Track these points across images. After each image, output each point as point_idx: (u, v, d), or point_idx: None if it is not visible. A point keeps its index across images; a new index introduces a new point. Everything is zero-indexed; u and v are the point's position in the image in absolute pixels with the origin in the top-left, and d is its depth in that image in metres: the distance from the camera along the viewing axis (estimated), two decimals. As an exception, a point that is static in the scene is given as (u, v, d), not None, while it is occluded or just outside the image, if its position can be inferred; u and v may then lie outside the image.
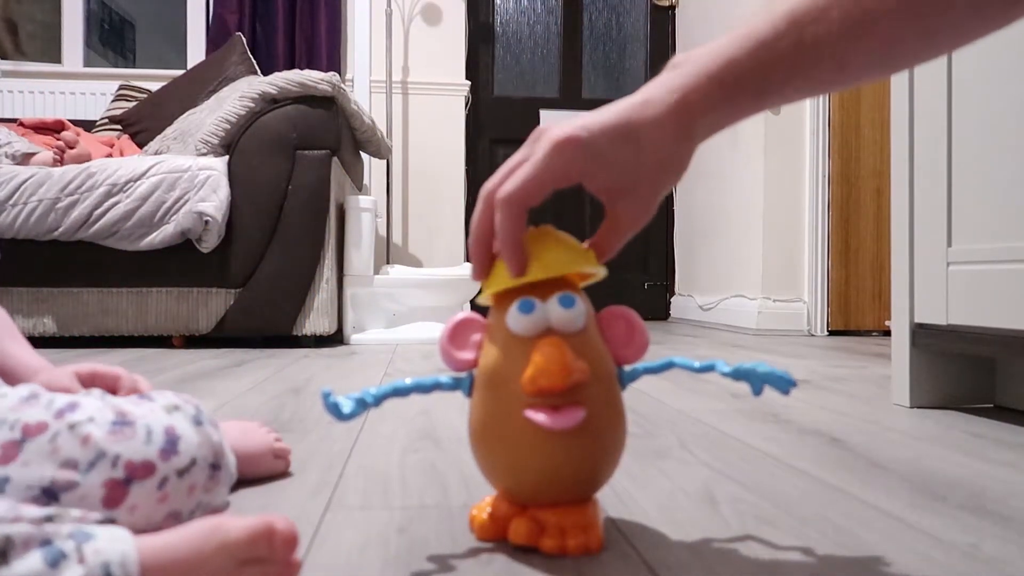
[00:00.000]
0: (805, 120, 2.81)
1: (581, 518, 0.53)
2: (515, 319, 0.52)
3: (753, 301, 2.86)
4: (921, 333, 1.13)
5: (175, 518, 0.49)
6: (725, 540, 0.55)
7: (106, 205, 2.05)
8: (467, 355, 0.55)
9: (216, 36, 3.20)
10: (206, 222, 2.06)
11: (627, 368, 0.57)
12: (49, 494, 0.45)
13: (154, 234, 2.07)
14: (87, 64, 3.53)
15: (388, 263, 3.22)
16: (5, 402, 0.48)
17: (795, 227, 2.82)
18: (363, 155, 2.99)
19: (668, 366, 0.58)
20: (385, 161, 3.27)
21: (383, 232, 3.30)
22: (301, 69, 2.29)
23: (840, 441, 0.91)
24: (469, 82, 3.44)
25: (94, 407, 0.49)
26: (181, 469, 0.49)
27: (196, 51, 3.38)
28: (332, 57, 3.27)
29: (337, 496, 0.66)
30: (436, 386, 0.54)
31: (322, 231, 2.17)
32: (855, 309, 2.76)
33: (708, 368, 0.57)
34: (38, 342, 2.15)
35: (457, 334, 0.56)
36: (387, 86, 3.28)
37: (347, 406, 0.48)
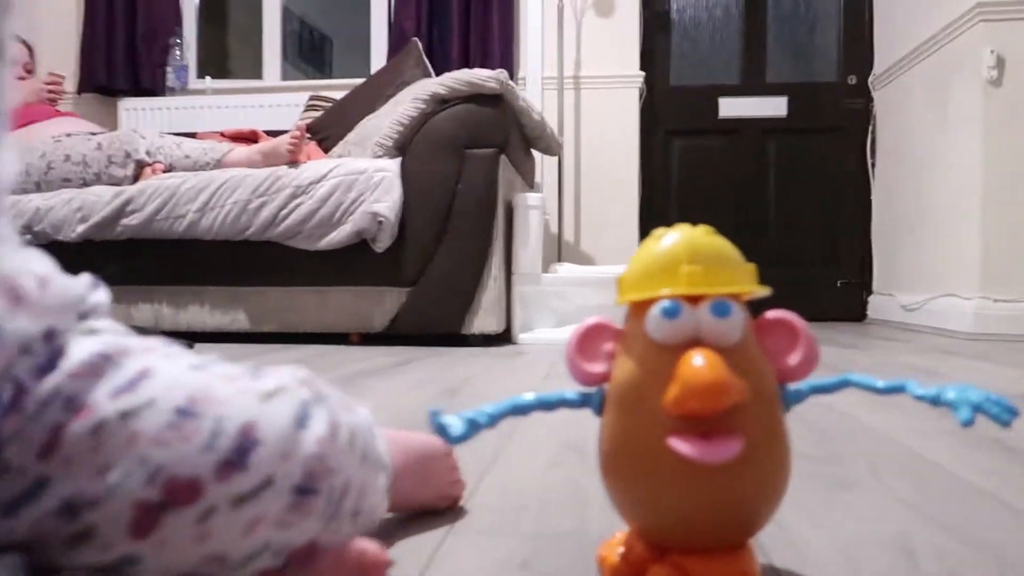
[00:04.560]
0: (1035, 92, 2.43)
1: (733, 568, 0.44)
2: (657, 325, 0.43)
3: (968, 301, 2.51)
4: None
5: (219, 562, 0.36)
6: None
7: (291, 206, 2.17)
8: (598, 367, 0.47)
9: (396, 43, 3.32)
10: (379, 222, 2.12)
11: (791, 387, 0.47)
12: (69, 511, 0.34)
13: (333, 234, 2.16)
14: (284, 78, 3.81)
15: (559, 261, 3.18)
16: (67, 364, 0.36)
17: (1020, 216, 2.44)
18: (534, 152, 2.97)
19: (843, 385, 0.47)
20: (556, 158, 3.24)
21: (554, 230, 3.26)
22: (474, 69, 2.30)
23: (1086, 479, 0.73)
24: (643, 73, 3.32)
25: (165, 382, 0.37)
26: (241, 495, 0.35)
27: (379, 59, 3.53)
28: (505, 55, 3.28)
29: (465, 517, 0.60)
30: (561, 402, 0.47)
31: (490, 229, 2.16)
32: (1101, 311, 2.34)
33: (896, 389, 0.46)
34: (232, 337, 2.33)
35: (586, 342, 0.48)
36: (559, 81, 3.24)
37: (456, 427, 0.42)
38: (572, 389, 0.48)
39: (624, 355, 0.46)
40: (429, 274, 2.18)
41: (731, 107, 3.45)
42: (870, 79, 3.37)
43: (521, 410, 0.46)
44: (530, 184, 2.91)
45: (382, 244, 2.16)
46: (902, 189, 3.08)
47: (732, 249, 0.47)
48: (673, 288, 0.44)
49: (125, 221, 2.26)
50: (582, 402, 0.48)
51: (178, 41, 3.59)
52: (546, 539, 0.55)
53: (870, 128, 3.39)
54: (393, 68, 2.86)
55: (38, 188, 2.42)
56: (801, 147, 3.45)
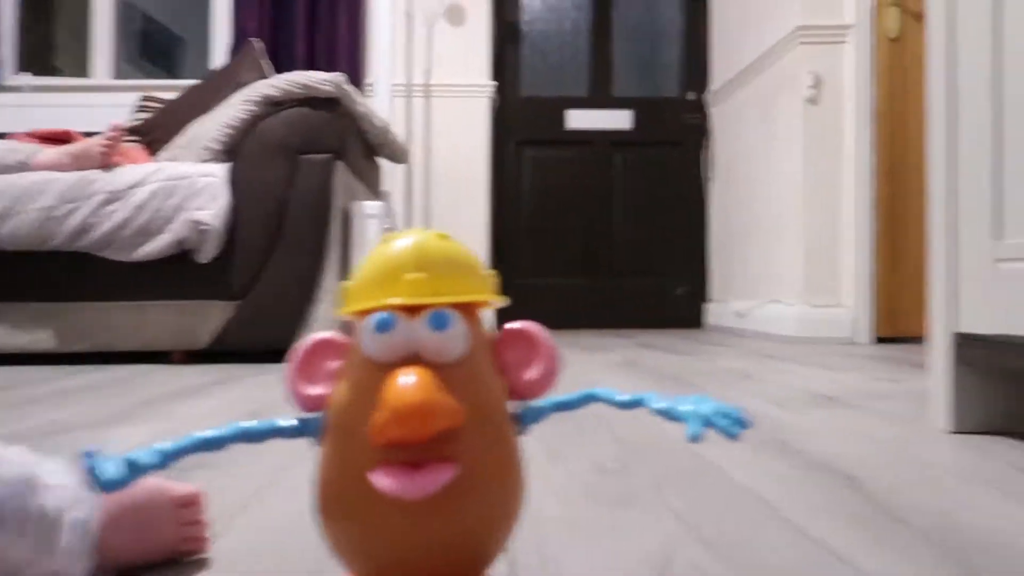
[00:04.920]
0: (845, 110, 2.61)
1: (458, 609, 0.40)
2: (371, 339, 0.39)
3: (791, 307, 2.66)
4: (964, 345, 0.96)
5: None
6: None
7: (103, 213, 1.99)
8: (317, 390, 0.42)
9: (238, 44, 3.16)
10: (202, 231, 1.98)
11: (532, 404, 0.44)
12: None
13: (150, 244, 2.00)
14: (125, 79, 3.54)
15: (409, 271, 3.12)
16: None
17: (836, 226, 2.62)
18: (382, 160, 2.90)
19: (588, 399, 0.44)
20: (405, 165, 3.17)
21: (405, 239, 3.19)
22: (309, 72, 2.20)
23: (857, 480, 0.75)
24: (495, 83, 3.32)
25: None
26: None
27: (221, 61, 3.35)
28: (353, 61, 3.19)
29: (201, 562, 0.54)
30: (274, 432, 0.42)
31: (324, 239, 2.07)
32: (905, 314, 2.55)
33: (635, 403, 0.43)
34: (38, 358, 2.11)
35: (310, 360, 0.43)
36: (407, 89, 3.19)
37: (110, 471, 0.36)
38: (290, 415, 0.42)
39: (344, 375, 0.41)
40: (259, 287, 2.06)
41: (579, 119, 3.52)
42: (706, 95, 3.54)
43: (211, 445, 0.40)
44: (375, 192, 2.83)
45: (206, 255, 2.02)
46: (735, 201, 3.25)
47: (468, 256, 0.43)
48: (405, 294, 0.40)
49: (-95, 229, 2.00)
50: (300, 430, 0.42)
51: (-12, 31, 3.26)
52: (282, 582, 0.49)
53: (706, 142, 3.55)
54: (230, 69, 2.71)
55: None
56: (646, 160, 3.56)
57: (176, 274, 2.05)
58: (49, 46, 4.69)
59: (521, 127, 3.52)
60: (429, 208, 3.28)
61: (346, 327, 0.43)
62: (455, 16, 3.28)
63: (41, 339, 2.06)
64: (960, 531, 0.59)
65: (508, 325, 0.44)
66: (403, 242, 0.41)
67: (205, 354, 2.12)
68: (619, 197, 3.56)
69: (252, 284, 2.06)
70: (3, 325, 2.06)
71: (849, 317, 2.60)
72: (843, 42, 2.61)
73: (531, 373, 0.43)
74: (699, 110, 3.57)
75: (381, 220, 2.27)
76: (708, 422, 0.40)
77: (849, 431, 1.00)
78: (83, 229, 2.00)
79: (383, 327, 0.38)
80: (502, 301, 0.44)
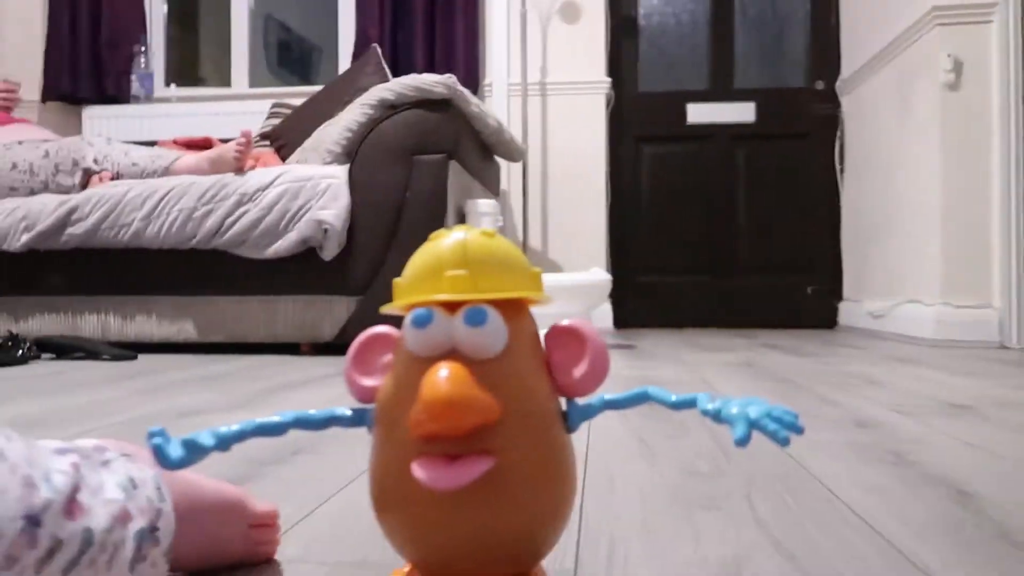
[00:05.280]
0: (991, 94, 2.40)
1: (501, 603, 0.40)
2: (410, 334, 0.40)
3: (930, 308, 2.48)
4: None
5: None
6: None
7: (237, 214, 2.13)
8: (371, 381, 0.44)
9: (360, 50, 3.29)
10: (325, 230, 2.08)
11: (580, 402, 0.43)
12: None
13: (279, 242, 2.12)
14: (266, 87, 3.77)
15: (524, 269, 3.15)
16: None
17: (982, 221, 2.41)
18: (500, 159, 2.94)
19: (641, 399, 0.43)
20: (522, 164, 3.20)
21: (520, 237, 3.22)
22: (423, 75, 2.26)
23: (971, 497, 0.69)
24: (610, 79, 3.29)
25: None
26: None
27: (346, 66, 3.50)
28: (470, 62, 3.25)
29: (283, 538, 0.56)
30: (331, 420, 0.43)
31: (438, 237, 2.12)
32: (1062, 317, 2.31)
33: (687, 404, 0.42)
34: (180, 347, 2.28)
35: (364, 354, 0.45)
36: (523, 88, 3.21)
37: (174, 452, 0.38)
38: (350, 405, 0.44)
39: (391, 369, 0.42)
40: (378, 282, 2.14)
41: (699, 113, 3.42)
42: (837, 84, 3.35)
43: (270, 430, 0.42)
44: (493, 190, 2.88)
45: (329, 252, 2.12)
46: (869, 195, 3.06)
47: (513, 253, 0.43)
48: (446, 290, 0.40)
49: (70, 230, 2.22)
50: (356, 419, 0.44)
51: (143, 49, 3.56)
52: (346, 568, 0.51)
53: (838, 133, 3.36)
54: (352, 75, 2.83)
55: (-16, 197, 2.38)
56: (770, 153, 3.42)
57: (302, 271, 2.16)
58: (195, 58, 5.08)
59: (639, 123, 3.46)
60: (546, 206, 3.29)
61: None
62: (570, 13, 3.28)
63: (183, 330, 2.23)
64: (1080, 557, 0.53)
65: (557, 323, 0.44)
66: (448, 240, 0.41)
67: (330, 346, 2.23)
68: (743, 192, 3.44)
69: (372, 279, 2.14)
70: (150, 317, 2.24)
71: (998, 319, 2.38)
72: (987, 22, 2.39)
73: (579, 371, 0.42)
74: (828, 100, 3.38)
75: (494, 218, 2.30)
76: (755, 425, 0.38)
77: (974, 444, 0.92)
78: (219, 229, 2.15)
79: (421, 322, 0.39)
80: (545, 298, 0.43)
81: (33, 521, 0.34)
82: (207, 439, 0.39)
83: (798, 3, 3.41)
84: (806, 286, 3.41)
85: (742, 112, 3.40)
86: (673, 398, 0.42)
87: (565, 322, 0.44)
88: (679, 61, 3.45)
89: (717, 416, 0.40)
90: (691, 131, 3.43)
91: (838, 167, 3.37)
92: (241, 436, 0.40)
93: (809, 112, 3.39)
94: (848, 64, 3.27)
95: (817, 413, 1.14)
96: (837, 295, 3.40)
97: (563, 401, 0.43)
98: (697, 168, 3.45)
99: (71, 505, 0.37)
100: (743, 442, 0.38)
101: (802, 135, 3.40)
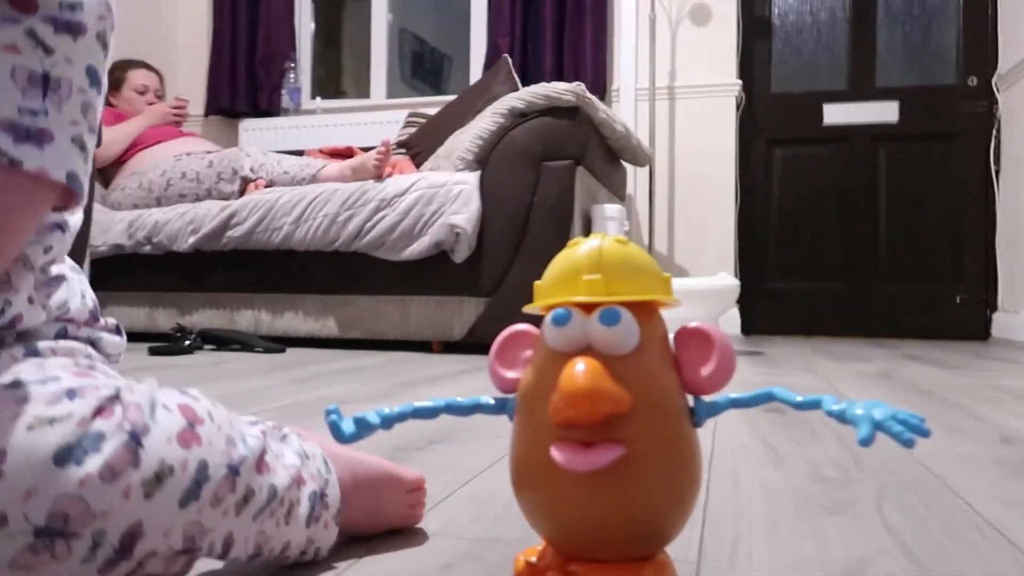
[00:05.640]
0: None
1: (628, 580, 0.43)
2: (550, 332, 0.44)
3: (1098, 321, 2.28)
4: None
5: None
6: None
7: (375, 218, 2.26)
8: (513, 374, 0.48)
9: (491, 60, 3.39)
10: (457, 234, 2.18)
11: (707, 399, 0.46)
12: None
13: (414, 245, 2.23)
14: (402, 97, 3.97)
15: (649, 273, 3.14)
16: None
17: None
18: (626, 163, 2.95)
19: (766, 398, 0.45)
20: (648, 168, 3.20)
21: (646, 241, 3.22)
22: (569, 83, 2.31)
23: (1125, 516, 0.66)
24: (740, 81, 3.23)
25: None
26: None
27: (479, 76, 3.62)
28: (598, 68, 3.28)
29: (427, 516, 0.62)
30: (477, 408, 0.48)
31: (566, 240, 2.17)
32: None
33: (812, 405, 0.44)
34: (323, 343, 2.45)
35: (507, 348, 0.49)
36: (650, 92, 3.21)
37: (348, 427, 0.44)
38: (492, 395, 0.49)
39: (532, 363, 0.46)
40: (506, 284, 2.21)
41: (837, 113, 3.29)
42: (994, 79, 3.13)
43: (425, 414, 0.47)
44: (621, 195, 2.89)
45: (460, 255, 2.21)
46: (1028, 198, 2.84)
47: (644, 259, 0.46)
48: (579, 293, 0.44)
49: (230, 233, 2.43)
50: (499, 408, 0.48)
51: (292, 65, 3.82)
52: (484, 543, 0.56)
53: (994, 132, 3.14)
54: (483, 84, 2.92)
55: (158, 203, 2.65)
56: (915, 154, 3.24)
57: (435, 273, 2.27)
58: (338, 72, 5.38)
59: (772, 125, 3.37)
60: (673, 210, 3.27)
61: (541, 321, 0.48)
62: (700, 16, 3.24)
63: (325, 326, 2.39)
64: None
65: (686, 324, 0.47)
66: (584, 246, 0.45)
67: (460, 345, 2.32)
68: (884, 195, 3.28)
69: (500, 282, 2.21)
70: (297, 313, 2.42)
71: None
72: None
73: (706, 369, 0.45)
74: (983, 96, 3.17)
75: (620, 222, 2.32)
76: (880, 426, 0.39)
77: None
78: (359, 232, 2.29)
79: (560, 321, 0.43)
80: (675, 301, 0.46)
81: (233, 470, 0.42)
82: (374, 418, 0.45)
83: (949, -5, 3.22)
84: (955, 295, 3.21)
85: (884, 112, 3.24)
86: (798, 398, 0.44)
87: (693, 324, 0.47)
88: (815, 61, 3.34)
89: (842, 417, 0.42)
90: (827, 132, 3.31)
91: (993, 168, 3.15)
92: (402, 417, 0.46)
93: (959, 110, 3.19)
94: (1006, 58, 3.05)
95: (959, 426, 1.09)
96: (991, 305, 3.17)
97: (690, 398, 0.46)
98: (834, 170, 3.32)
99: (260, 463, 0.44)
100: (867, 442, 0.39)
101: (951, 135, 3.20)
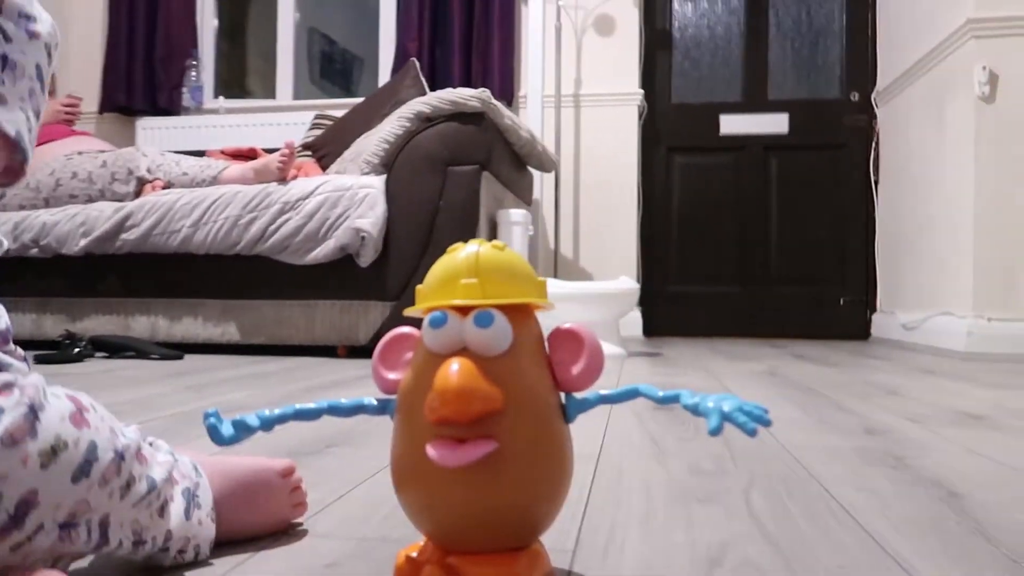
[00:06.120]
0: (1028, 108, 2.39)
1: (503, 571, 0.46)
2: (428, 334, 0.46)
3: (963, 320, 2.47)
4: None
5: None
6: (683, 614, 0.45)
7: (279, 221, 2.23)
8: (395, 375, 0.50)
9: (400, 63, 3.39)
10: (363, 237, 2.17)
11: (577, 396, 0.49)
12: None
13: (318, 249, 2.21)
14: (311, 98, 3.90)
15: (555, 276, 3.20)
16: None
17: (1016, 234, 2.40)
18: (533, 169, 3.00)
19: (632, 394, 0.49)
20: (554, 174, 3.26)
21: (552, 246, 3.28)
22: (476, 88, 2.33)
23: (960, 497, 0.73)
24: (642, 91, 3.34)
25: None
26: None
27: (387, 79, 3.60)
28: (505, 75, 3.32)
29: (316, 518, 0.63)
30: (359, 409, 0.50)
31: (471, 245, 2.19)
32: (1097, 332, 2.29)
33: (671, 399, 0.47)
34: (224, 348, 2.39)
35: (389, 351, 0.51)
36: (556, 100, 3.28)
37: (226, 430, 0.45)
38: (374, 396, 0.50)
39: (411, 364, 0.48)
40: (412, 288, 2.21)
41: (733, 124, 3.45)
42: (873, 95, 3.35)
43: (306, 415, 0.48)
44: (526, 200, 2.94)
45: (366, 259, 2.20)
46: (903, 206, 3.05)
47: (520, 264, 0.49)
48: (455, 297, 0.46)
49: (124, 236, 2.34)
50: (381, 409, 0.50)
51: (194, 62, 3.71)
52: (371, 543, 0.57)
53: (873, 145, 3.36)
54: (391, 87, 2.92)
55: (47, 204, 2.52)
56: (804, 164, 3.43)
57: (340, 277, 2.25)
58: (243, 70, 5.25)
59: (672, 134, 3.50)
60: (578, 215, 3.34)
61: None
62: (604, 26, 3.33)
63: (226, 332, 2.33)
64: (1048, 552, 0.57)
65: (559, 326, 0.50)
66: (463, 252, 0.48)
67: (365, 349, 2.31)
68: (775, 203, 3.45)
69: (406, 286, 2.21)
70: (196, 319, 2.35)
71: (1031, 332, 2.37)
72: (1023, 35, 2.39)
73: (577, 368, 0.48)
74: (863, 111, 3.39)
75: (525, 227, 2.36)
76: (727, 417, 0.43)
77: (977, 451, 0.96)
78: (262, 236, 2.24)
79: (436, 324, 0.45)
80: (548, 305, 0.49)
81: (119, 455, 0.43)
82: (253, 420, 0.46)
83: (833, 15, 3.42)
84: (839, 297, 3.41)
85: (776, 123, 3.42)
86: (660, 394, 0.48)
87: (566, 325, 0.50)
88: (713, 73, 3.49)
89: (695, 410, 0.45)
90: (724, 142, 3.46)
91: (872, 178, 3.37)
92: (282, 419, 0.47)
93: (843, 123, 3.40)
94: (884, 76, 3.27)
95: (830, 419, 1.17)
96: (871, 306, 3.39)
97: (563, 396, 0.49)
98: (730, 178, 3.47)
99: (139, 454, 0.46)
100: (716, 432, 0.43)
101: (836, 146, 3.41)
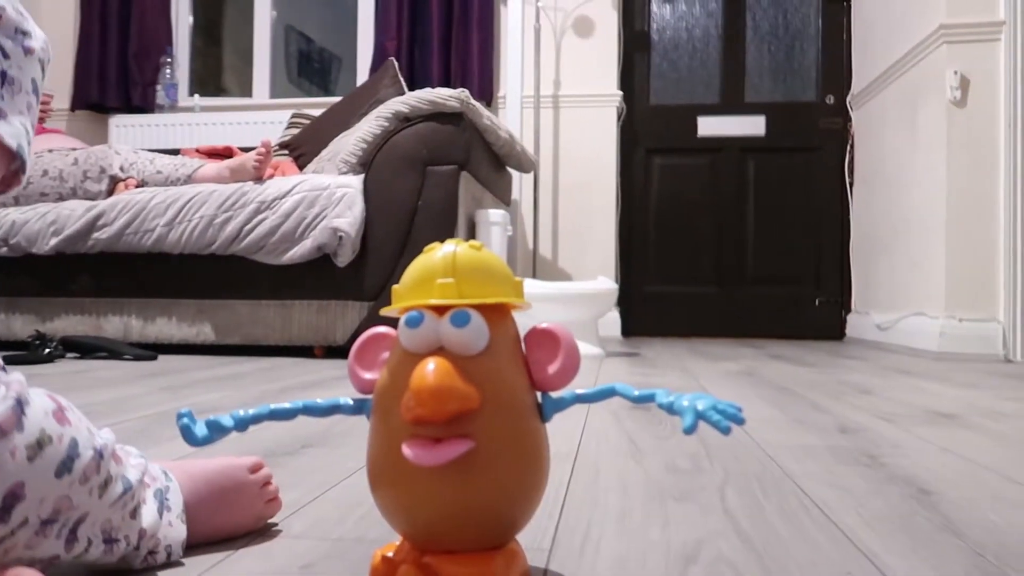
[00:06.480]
0: (998, 112, 2.44)
1: (479, 570, 0.46)
2: (404, 333, 0.46)
3: (935, 320, 2.51)
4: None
5: None
6: (658, 612, 0.45)
7: (255, 221, 2.21)
8: (371, 375, 0.50)
9: (378, 63, 3.37)
10: (340, 237, 2.16)
11: (553, 396, 0.49)
12: None
13: (295, 249, 2.20)
14: (288, 97, 3.87)
15: (534, 276, 3.21)
16: None
17: (987, 236, 2.44)
18: (512, 170, 3.01)
19: (608, 394, 0.49)
20: (532, 174, 3.27)
21: (531, 246, 3.29)
22: (455, 89, 2.33)
23: (931, 495, 0.74)
24: (621, 92, 3.35)
25: None
26: None
27: (364, 77, 3.59)
28: (484, 75, 3.32)
29: (291, 519, 0.63)
30: (335, 409, 0.50)
31: (450, 245, 2.19)
32: (1064, 332, 2.33)
33: (647, 399, 0.47)
34: (199, 349, 2.36)
35: (365, 351, 0.51)
36: (535, 100, 3.28)
37: (199, 431, 0.44)
38: (352, 396, 0.50)
39: (387, 364, 0.48)
40: (390, 288, 2.20)
41: (710, 126, 3.48)
42: (848, 99, 3.39)
43: (281, 415, 0.48)
44: (505, 200, 2.94)
45: (343, 259, 2.19)
46: (877, 208, 3.09)
47: (497, 264, 0.49)
48: (432, 296, 0.46)
49: (96, 235, 2.31)
50: (357, 409, 0.50)
51: (168, 60, 3.67)
52: (347, 544, 0.57)
53: (848, 147, 3.40)
54: (369, 87, 2.91)
55: (16, 202, 2.48)
56: (780, 166, 3.46)
57: (317, 277, 2.23)
58: (218, 69, 5.20)
59: (650, 135, 3.52)
60: (557, 215, 3.35)
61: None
62: (583, 28, 3.34)
63: (202, 332, 2.31)
64: (1015, 547, 0.58)
65: (535, 325, 0.50)
66: (440, 252, 0.47)
67: (342, 350, 2.30)
68: (752, 204, 3.49)
69: (384, 286, 2.21)
70: (171, 319, 2.32)
71: (1001, 333, 2.41)
72: (995, 40, 2.43)
73: (553, 367, 0.48)
74: (838, 114, 3.43)
75: (504, 227, 2.36)
76: (701, 415, 0.44)
77: (948, 449, 0.97)
78: (238, 235, 2.22)
79: (413, 323, 0.45)
80: (525, 304, 0.49)
81: (99, 453, 0.43)
82: (227, 420, 0.45)
83: (809, 19, 3.46)
84: (814, 297, 3.45)
85: (752, 125, 3.45)
86: (635, 393, 0.48)
87: (543, 325, 0.50)
88: (691, 75, 3.51)
89: (670, 409, 0.46)
90: (702, 143, 3.49)
91: (847, 180, 3.41)
92: (257, 419, 0.47)
93: (819, 126, 3.44)
94: (858, 79, 3.32)
95: (804, 418, 1.18)
96: (845, 307, 3.43)
97: (539, 395, 0.49)
98: (707, 180, 3.50)
99: (115, 454, 0.46)
100: (690, 430, 0.43)
101: (812, 148, 3.44)
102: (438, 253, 0.48)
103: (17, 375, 0.41)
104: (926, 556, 0.56)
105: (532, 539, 0.58)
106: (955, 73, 2.44)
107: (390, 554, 0.49)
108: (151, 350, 2.20)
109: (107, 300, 2.36)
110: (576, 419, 1.15)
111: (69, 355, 2.16)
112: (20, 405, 0.39)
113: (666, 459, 0.88)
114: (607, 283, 2.34)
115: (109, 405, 1.26)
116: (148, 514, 0.48)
